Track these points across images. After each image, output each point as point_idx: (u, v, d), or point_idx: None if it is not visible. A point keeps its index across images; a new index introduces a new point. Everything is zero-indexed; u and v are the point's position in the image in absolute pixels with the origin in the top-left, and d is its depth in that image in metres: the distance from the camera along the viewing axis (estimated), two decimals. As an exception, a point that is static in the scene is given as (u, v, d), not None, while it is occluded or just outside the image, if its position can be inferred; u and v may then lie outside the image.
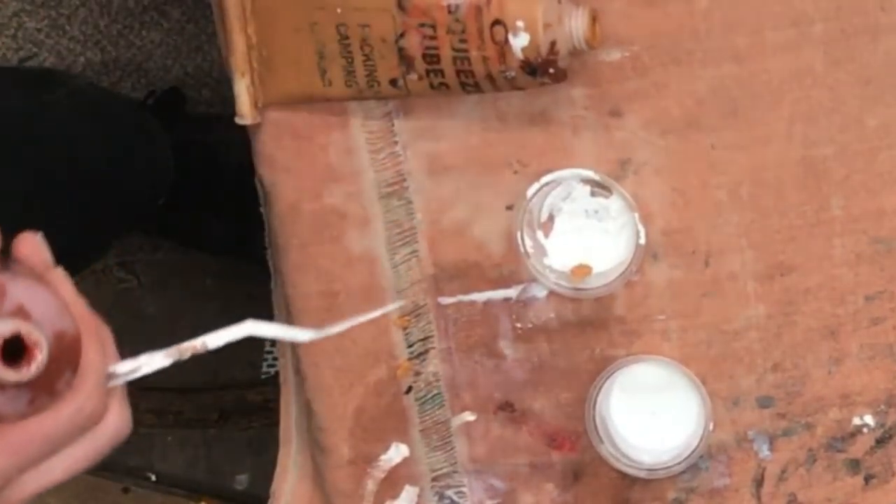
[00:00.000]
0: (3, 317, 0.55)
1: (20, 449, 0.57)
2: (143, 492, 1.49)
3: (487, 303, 0.85)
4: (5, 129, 1.00)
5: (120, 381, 0.60)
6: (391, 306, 0.68)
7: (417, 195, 0.85)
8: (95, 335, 0.59)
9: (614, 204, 0.82)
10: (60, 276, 0.60)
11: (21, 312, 0.55)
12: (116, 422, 0.61)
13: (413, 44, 0.77)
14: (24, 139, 1.01)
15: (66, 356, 0.57)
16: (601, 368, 0.84)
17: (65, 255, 1.11)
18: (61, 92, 1.10)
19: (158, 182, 1.25)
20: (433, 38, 0.76)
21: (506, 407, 0.86)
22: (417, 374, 0.87)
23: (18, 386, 0.55)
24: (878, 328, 0.83)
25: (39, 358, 0.54)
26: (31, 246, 0.60)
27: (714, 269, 0.83)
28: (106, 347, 0.61)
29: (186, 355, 0.61)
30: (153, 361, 0.61)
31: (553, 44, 0.75)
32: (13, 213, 0.97)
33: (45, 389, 0.56)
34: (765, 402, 0.84)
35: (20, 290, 0.56)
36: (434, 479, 0.88)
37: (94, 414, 0.59)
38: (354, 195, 0.85)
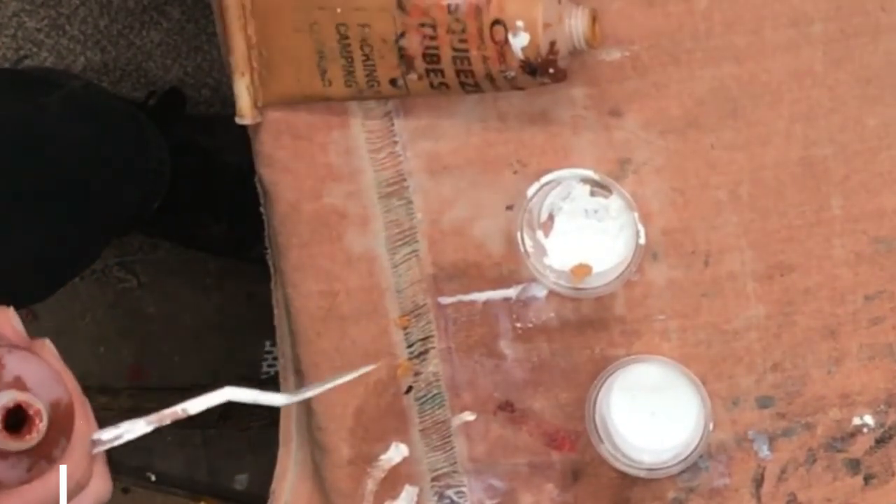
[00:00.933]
0: (2, 389, 0.56)
1: None
2: (143, 492, 1.49)
3: (487, 302, 0.85)
4: (0, 132, 1.00)
5: (103, 448, 0.62)
6: (365, 368, 0.69)
7: (417, 195, 0.85)
8: (80, 402, 0.60)
9: (614, 204, 0.82)
10: (47, 347, 0.61)
11: (18, 383, 0.57)
12: (99, 488, 0.63)
13: (413, 44, 0.77)
14: (19, 142, 1.01)
15: (62, 424, 0.59)
16: (601, 368, 0.84)
17: (59, 258, 1.11)
18: (56, 95, 1.10)
19: (154, 185, 1.25)
20: (433, 37, 0.76)
21: (506, 407, 0.86)
22: (417, 373, 0.87)
23: (19, 454, 0.57)
24: (877, 328, 0.83)
25: (41, 426, 0.57)
26: (4, 320, 0.60)
27: (714, 268, 0.83)
28: (88, 415, 0.61)
29: (167, 422, 0.63)
30: (135, 428, 0.62)
31: (553, 44, 0.75)
32: (7, 215, 0.97)
33: (44, 456, 0.58)
34: (764, 402, 0.84)
35: (16, 362, 0.58)
36: (434, 479, 0.88)
37: (82, 481, 0.60)
38: (354, 195, 0.85)
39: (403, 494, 0.88)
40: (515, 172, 0.84)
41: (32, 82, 1.20)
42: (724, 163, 0.82)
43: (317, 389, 0.68)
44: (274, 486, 0.91)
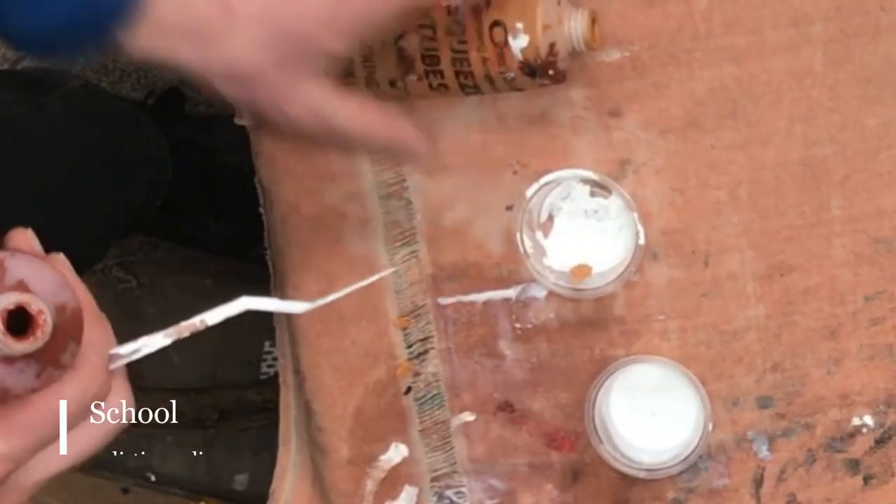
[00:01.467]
0: (4, 291, 0.55)
1: (32, 429, 0.57)
2: (143, 492, 1.49)
3: (487, 303, 0.85)
4: (0, 133, 1.00)
5: (122, 363, 0.61)
6: (385, 272, 0.68)
7: (417, 195, 0.85)
8: (96, 316, 0.60)
9: (614, 204, 0.82)
10: (61, 259, 0.60)
11: (21, 286, 0.56)
12: (120, 406, 0.61)
13: (412, 45, 0.77)
14: (19, 142, 1.01)
15: (69, 328, 0.57)
16: (601, 368, 0.84)
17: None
18: (56, 95, 1.10)
19: (155, 185, 1.25)
20: (432, 39, 0.76)
21: (505, 407, 0.86)
22: (417, 374, 0.87)
23: (26, 359, 0.56)
24: (877, 328, 0.83)
25: (45, 328, 0.55)
26: (22, 239, 0.60)
27: (714, 269, 0.83)
28: (106, 330, 0.61)
29: (186, 334, 0.61)
30: (154, 342, 0.61)
31: (552, 45, 0.75)
32: (8, 216, 0.97)
33: (52, 362, 0.57)
34: (764, 403, 0.84)
35: (19, 266, 0.57)
36: (433, 480, 0.88)
37: (99, 394, 0.59)
38: (354, 195, 0.85)
39: (403, 495, 0.88)
40: (515, 173, 0.84)
41: (32, 82, 1.20)
42: (724, 163, 0.82)
43: (336, 295, 0.66)
44: (274, 486, 0.91)
